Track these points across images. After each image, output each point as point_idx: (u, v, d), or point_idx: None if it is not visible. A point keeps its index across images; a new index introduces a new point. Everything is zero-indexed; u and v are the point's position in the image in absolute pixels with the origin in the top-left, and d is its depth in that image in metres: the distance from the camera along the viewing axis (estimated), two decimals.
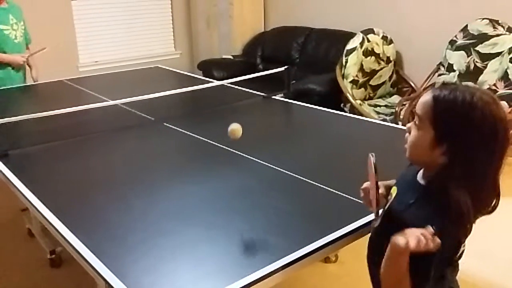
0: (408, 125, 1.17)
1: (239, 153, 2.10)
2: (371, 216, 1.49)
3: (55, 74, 3.80)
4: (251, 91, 3.18)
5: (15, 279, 2.60)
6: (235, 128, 1.82)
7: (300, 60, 5.10)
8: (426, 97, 1.12)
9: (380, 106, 4.25)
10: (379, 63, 4.30)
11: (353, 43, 4.20)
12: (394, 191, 1.26)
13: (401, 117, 3.67)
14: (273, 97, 3.04)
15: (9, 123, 2.29)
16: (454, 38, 3.74)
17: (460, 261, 1.24)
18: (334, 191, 1.71)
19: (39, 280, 2.59)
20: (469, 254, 1.26)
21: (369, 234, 1.33)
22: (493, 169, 1.09)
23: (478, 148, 1.05)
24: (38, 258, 2.72)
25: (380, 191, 1.26)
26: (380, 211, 1.25)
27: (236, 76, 3.18)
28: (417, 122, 1.13)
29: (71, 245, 1.42)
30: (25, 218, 3.01)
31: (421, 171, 1.20)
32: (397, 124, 3.53)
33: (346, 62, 4.17)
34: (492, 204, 1.13)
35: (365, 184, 1.34)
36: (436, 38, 4.02)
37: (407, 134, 1.17)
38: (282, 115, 2.92)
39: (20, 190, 1.81)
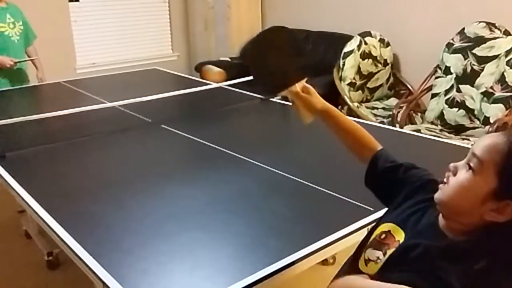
0: (454, 164, 1.00)
1: (237, 155, 2.11)
2: (369, 218, 1.50)
3: (52, 76, 3.81)
4: (248, 93, 3.19)
5: (12, 281, 2.59)
6: None
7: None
8: (497, 140, 0.94)
9: (377, 108, 4.25)
10: (376, 66, 4.31)
11: (350, 45, 4.22)
12: (399, 235, 1.08)
13: (399, 119, 3.68)
14: (271, 99, 3.04)
15: (6, 124, 2.29)
16: (451, 41, 3.75)
17: None
18: (331, 193, 1.71)
19: (37, 282, 2.58)
20: None
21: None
22: None
23: None
24: (35, 260, 2.72)
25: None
26: (381, 255, 1.08)
27: (233, 79, 3.18)
28: (473, 165, 0.95)
29: (68, 246, 1.42)
30: (22, 219, 3.01)
31: (441, 218, 1.03)
32: (395, 126, 3.54)
33: (344, 64, 4.18)
34: None
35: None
36: (433, 41, 4.03)
37: (449, 174, 1.00)
38: (280, 117, 2.92)
39: (17, 192, 1.80)
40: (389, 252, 1.06)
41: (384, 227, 1.13)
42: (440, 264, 0.94)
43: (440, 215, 1.03)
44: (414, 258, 0.99)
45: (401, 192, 1.18)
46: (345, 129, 1.34)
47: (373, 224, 1.22)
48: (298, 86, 1.28)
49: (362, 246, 1.17)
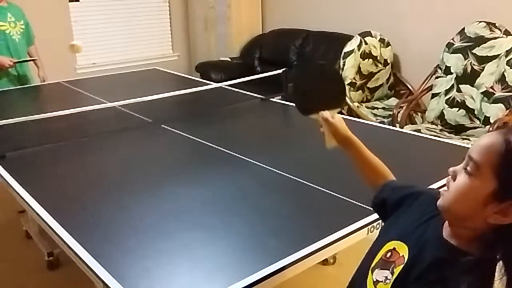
0: (453, 169, 0.97)
1: (237, 155, 2.11)
2: (370, 218, 1.50)
3: (53, 76, 3.81)
4: (249, 93, 3.19)
5: (13, 281, 2.59)
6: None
7: (298, 63, 5.10)
8: (492, 140, 0.91)
9: (377, 108, 4.26)
10: (376, 66, 4.31)
11: (350, 45, 4.22)
12: (403, 250, 1.05)
13: (399, 119, 3.68)
14: (271, 99, 3.04)
15: (7, 125, 2.29)
16: (451, 41, 3.75)
17: None
18: (331, 193, 1.72)
19: (37, 282, 2.58)
20: None
21: (367, 235, 1.29)
22: None
23: None
24: (35, 260, 2.72)
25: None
26: (388, 274, 1.05)
27: (234, 78, 3.18)
28: (470, 169, 0.92)
29: (69, 247, 1.43)
30: (22, 220, 3.01)
31: (446, 226, 1.00)
32: (395, 126, 3.54)
33: (344, 64, 4.18)
34: None
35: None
36: (433, 40, 4.03)
37: (448, 178, 0.98)
38: (280, 117, 2.92)
39: (17, 192, 1.81)
40: (396, 270, 1.03)
41: (389, 245, 1.09)
42: (448, 275, 0.93)
43: (446, 223, 1.01)
44: (421, 273, 0.97)
45: (400, 208, 1.17)
46: (365, 160, 1.34)
47: (372, 243, 1.18)
48: (329, 113, 1.38)
49: (366, 267, 1.13)
